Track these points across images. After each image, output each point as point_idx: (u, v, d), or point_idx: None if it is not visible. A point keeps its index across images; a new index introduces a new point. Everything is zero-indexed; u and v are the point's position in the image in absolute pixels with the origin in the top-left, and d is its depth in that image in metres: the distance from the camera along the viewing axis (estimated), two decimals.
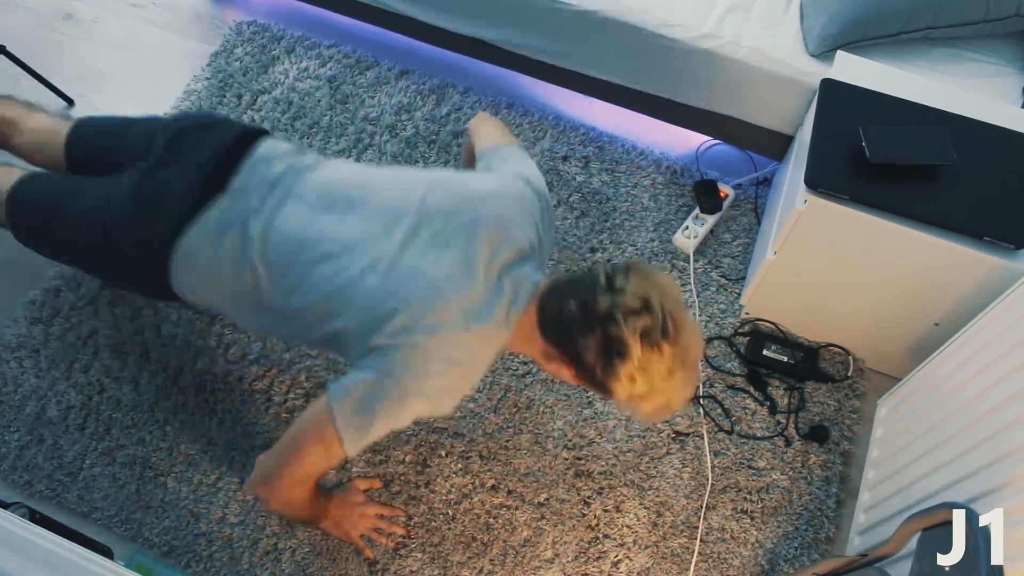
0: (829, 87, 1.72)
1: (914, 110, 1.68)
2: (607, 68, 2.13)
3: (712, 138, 2.26)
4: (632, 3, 1.98)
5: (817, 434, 1.85)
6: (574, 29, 2.05)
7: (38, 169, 1.68)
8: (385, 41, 2.41)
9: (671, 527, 1.75)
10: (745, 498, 1.78)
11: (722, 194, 2.13)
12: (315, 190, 1.42)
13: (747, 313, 2.00)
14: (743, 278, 2.05)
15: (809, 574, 1.43)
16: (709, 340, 1.97)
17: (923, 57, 1.93)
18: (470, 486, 1.77)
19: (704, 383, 1.91)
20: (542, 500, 1.76)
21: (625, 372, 1.19)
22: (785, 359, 1.93)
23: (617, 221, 2.12)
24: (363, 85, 2.32)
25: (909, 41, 1.93)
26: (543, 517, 1.75)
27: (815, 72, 1.89)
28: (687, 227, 2.09)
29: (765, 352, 1.93)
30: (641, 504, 1.77)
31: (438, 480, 1.77)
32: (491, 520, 1.74)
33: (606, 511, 1.76)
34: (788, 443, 1.85)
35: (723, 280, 2.05)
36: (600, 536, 1.73)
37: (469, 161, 1.67)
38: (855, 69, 1.77)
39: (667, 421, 1.85)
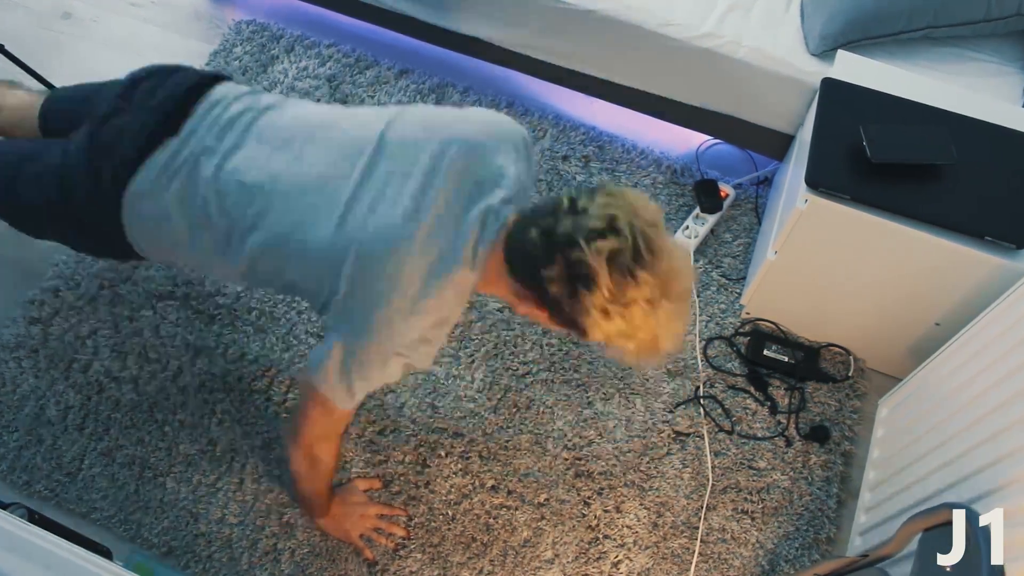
0: (830, 86, 1.72)
1: (915, 109, 1.68)
2: (607, 67, 2.13)
3: (712, 137, 2.26)
4: (632, 2, 1.98)
5: (818, 434, 1.85)
6: (574, 28, 2.05)
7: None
8: (385, 40, 2.41)
9: (671, 527, 1.74)
10: (746, 498, 1.78)
11: (722, 194, 2.13)
12: (273, 129, 1.35)
13: (748, 313, 2.00)
14: (743, 278, 2.05)
15: (810, 575, 1.42)
16: (709, 340, 1.97)
17: (924, 56, 1.93)
18: (470, 486, 1.77)
19: (704, 383, 1.91)
20: (542, 500, 1.76)
21: (596, 304, 1.08)
22: (786, 359, 1.92)
23: None
24: (363, 84, 2.32)
25: (910, 40, 1.93)
26: (543, 517, 1.75)
27: (816, 71, 1.88)
28: (687, 227, 2.09)
29: (766, 352, 1.93)
30: (641, 504, 1.76)
31: (438, 480, 1.77)
32: (491, 520, 1.74)
33: (606, 511, 1.76)
34: (789, 443, 1.84)
35: (723, 280, 2.05)
36: (600, 536, 1.73)
37: None
38: (856, 68, 1.77)
39: (667, 421, 1.85)
